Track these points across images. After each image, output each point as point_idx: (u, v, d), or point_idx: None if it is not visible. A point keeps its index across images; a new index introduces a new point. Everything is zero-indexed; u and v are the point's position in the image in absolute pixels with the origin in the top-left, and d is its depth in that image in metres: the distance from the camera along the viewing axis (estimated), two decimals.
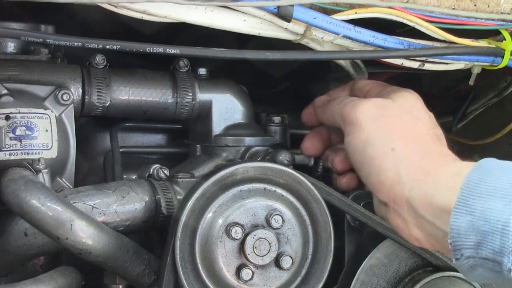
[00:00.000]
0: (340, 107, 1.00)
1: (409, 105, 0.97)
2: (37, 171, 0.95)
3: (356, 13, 0.99)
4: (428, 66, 1.10)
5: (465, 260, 0.82)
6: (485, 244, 0.79)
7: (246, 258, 0.91)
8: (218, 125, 1.15)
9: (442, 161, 0.91)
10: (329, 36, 1.00)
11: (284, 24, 0.97)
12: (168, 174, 1.04)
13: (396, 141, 0.93)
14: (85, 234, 0.88)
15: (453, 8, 1.03)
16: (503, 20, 1.06)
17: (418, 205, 0.88)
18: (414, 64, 1.09)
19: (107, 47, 0.91)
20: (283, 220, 0.93)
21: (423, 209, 0.88)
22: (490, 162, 0.84)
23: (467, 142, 1.42)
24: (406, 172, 0.90)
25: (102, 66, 1.10)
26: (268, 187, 0.94)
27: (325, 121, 1.07)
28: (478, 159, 0.90)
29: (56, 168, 1.01)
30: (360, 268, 1.00)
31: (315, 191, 0.95)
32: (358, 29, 1.00)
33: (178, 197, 1.00)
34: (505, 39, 1.07)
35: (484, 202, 0.80)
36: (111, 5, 0.90)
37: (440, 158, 0.92)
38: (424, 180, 0.89)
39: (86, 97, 1.07)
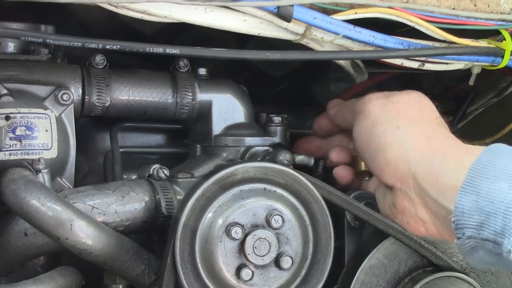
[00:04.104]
0: (351, 103, 1.05)
1: (417, 95, 1.01)
2: (37, 171, 0.95)
3: (356, 13, 0.99)
4: (428, 66, 1.10)
5: (466, 240, 0.83)
6: (487, 224, 0.80)
7: (246, 258, 0.91)
8: (218, 125, 1.15)
9: (451, 143, 0.94)
10: (329, 36, 1.00)
11: (284, 24, 0.97)
12: (168, 174, 1.04)
13: (402, 120, 0.96)
14: (85, 234, 0.87)
15: (453, 8, 1.04)
16: (503, 20, 1.07)
17: (423, 181, 0.90)
18: (414, 64, 1.09)
19: (107, 47, 0.91)
20: (283, 220, 0.93)
21: (428, 184, 0.89)
22: (501, 146, 0.86)
23: (467, 142, 1.42)
24: (412, 148, 0.93)
25: (102, 66, 1.10)
26: (268, 187, 0.94)
27: (337, 120, 1.11)
28: None
29: (56, 168, 1.01)
30: (360, 268, 1.00)
31: (315, 191, 0.95)
32: (358, 29, 1.00)
33: (178, 197, 1.00)
34: (505, 39, 1.07)
35: (490, 184, 0.81)
36: (111, 5, 0.90)
37: (449, 140, 0.95)
38: (431, 157, 0.91)
39: (86, 97, 1.07)
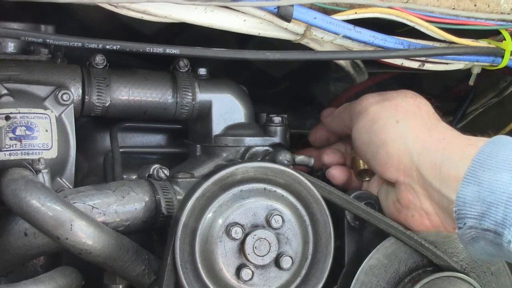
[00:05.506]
0: (347, 106, 1.06)
1: (411, 93, 1.02)
2: (37, 171, 0.95)
3: (356, 13, 0.99)
4: (428, 66, 1.10)
5: (467, 230, 0.84)
6: (488, 215, 0.81)
7: (246, 258, 0.91)
8: (218, 125, 1.15)
9: (452, 134, 0.95)
10: (329, 36, 1.00)
11: (284, 24, 0.97)
12: (168, 174, 1.04)
13: (400, 115, 0.97)
14: (85, 234, 0.88)
15: (453, 8, 1.04)
16: (503, 20, 1.07)
17: (426, 172, 0.91)
18: (414, 64, 1.09)
19: (107, 47, 0.91)
20: (283, 220, 0.93)
21: (431, 175, 0.90)
22: (504, 138, 0.88)
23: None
24: (414, 141, 0.94)
25: (102, 66, 1.10)
26: (268, 187, 0.94)
27: (334, 127, 1.11)
28: None
29: (56, 168, 1.01)
30: (360, 268, 1.00)
31: (315, 191, 0.95)
32: (358, 29, 1.00)
33: (178, 197, 1.00)
34: (505, 39, 1.07)
35: (492, 174, 0.82)
36: (111, 5, 0.90)
37: (449, 131, 0.96)
38: (433, 149, 0.92)
39: (86, 97, 1.07)
